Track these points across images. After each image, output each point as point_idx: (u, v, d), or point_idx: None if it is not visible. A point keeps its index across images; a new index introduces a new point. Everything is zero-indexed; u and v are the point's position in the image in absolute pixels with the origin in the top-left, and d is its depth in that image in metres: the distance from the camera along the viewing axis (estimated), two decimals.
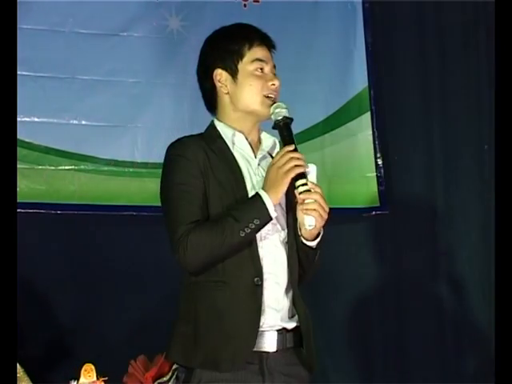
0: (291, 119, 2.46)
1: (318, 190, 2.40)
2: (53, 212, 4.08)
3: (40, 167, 4.11)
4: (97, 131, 4.20)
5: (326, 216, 2.39)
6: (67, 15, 4.16)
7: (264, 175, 2.46)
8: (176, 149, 2.52)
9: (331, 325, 4.45)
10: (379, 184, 4.63)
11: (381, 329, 4.64)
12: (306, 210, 2.38)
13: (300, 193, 2.37)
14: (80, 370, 3.13)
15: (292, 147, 2.41)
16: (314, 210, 2.37)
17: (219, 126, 2.58)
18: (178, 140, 2.55)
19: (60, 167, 4.14)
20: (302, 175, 2.38)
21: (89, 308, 4.04)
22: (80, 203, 4.14)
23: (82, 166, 4.17)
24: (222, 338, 2.38)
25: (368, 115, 4.65)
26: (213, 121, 2.61)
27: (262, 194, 2.39)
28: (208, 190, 2.44)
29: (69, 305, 4.02)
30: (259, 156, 2.57)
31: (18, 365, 3.05)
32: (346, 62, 4.65)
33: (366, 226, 4.64)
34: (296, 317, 2.52)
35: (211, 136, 2.56)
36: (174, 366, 2.57)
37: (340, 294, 4.47)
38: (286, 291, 2.50)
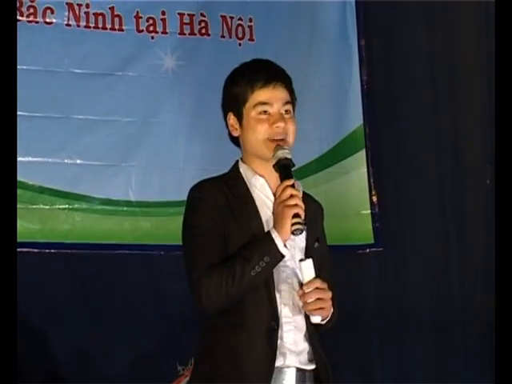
0: (290, 160, 2.44)
1: (319, 284, 2.40)
2: (47, 251, 4.06)
3: (34, 206, 4.09)
4: (91, 170, 4.20)
5: (328, 305, 2.43)
6: (62, 55, 4.17)
7: None
8: (196, 191, 2.52)
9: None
10: (374, 221, 4.64)
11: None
12: (309, 310, 2.42)
13: (293, 232, 2.36)
14: None
15: (291, 181, 2.40)
16: (314, 309, 2.41)
17: (242, 167, 2.57)
18: (200, 182, 2.55)
19: (54, 206, 4.12)
20: (298, 215, 2.37)
21: (84, 344, 4.01)
22: (74, 242, 4.12)
23: (77, 205, 4.16)
24: (236, 379, 2.38)
25: (363, 152, 4.67)
26: (237, 161, 2.60)
27: (271, 230, 2.39)
28: (227, 234, 2.44)
29: (65, 340, 4.00)
30: None
31: None
32: (341, 100, 4.67)
33: (361, 263, 4.63)
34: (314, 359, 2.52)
35: (233, 178, 2.55)
36: None
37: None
38: (305, 335, 2.50)
